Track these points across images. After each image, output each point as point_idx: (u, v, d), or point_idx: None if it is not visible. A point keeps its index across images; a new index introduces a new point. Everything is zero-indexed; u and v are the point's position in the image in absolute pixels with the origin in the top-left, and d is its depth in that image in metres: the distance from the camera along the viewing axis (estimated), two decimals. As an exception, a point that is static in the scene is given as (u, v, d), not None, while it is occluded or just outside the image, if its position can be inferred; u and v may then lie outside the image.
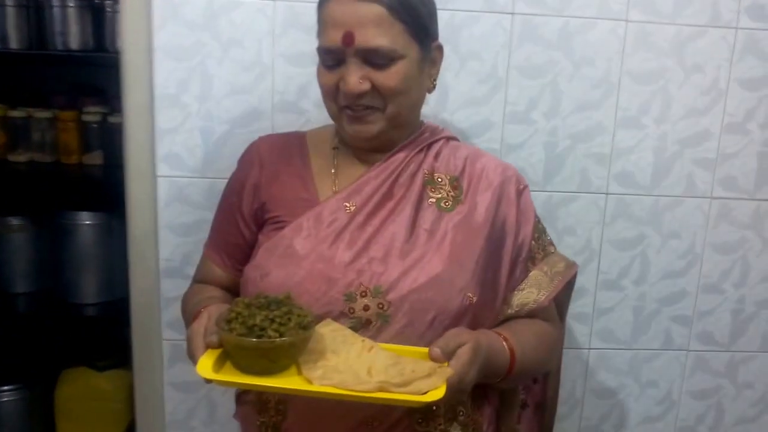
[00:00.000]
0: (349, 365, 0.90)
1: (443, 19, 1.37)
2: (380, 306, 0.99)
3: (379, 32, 0.99)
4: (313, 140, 1.16)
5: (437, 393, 0.87)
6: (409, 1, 1.01)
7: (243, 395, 1.13)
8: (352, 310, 0.99)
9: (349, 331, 0.97)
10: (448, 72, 1.41)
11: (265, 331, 0.86)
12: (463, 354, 0.92)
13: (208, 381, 0.86)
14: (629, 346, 1.62)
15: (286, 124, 1.38)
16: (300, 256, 1.02)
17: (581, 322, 1.59)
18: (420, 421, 1.02)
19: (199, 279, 1.20)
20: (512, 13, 1.41)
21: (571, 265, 1.19)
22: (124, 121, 1.40)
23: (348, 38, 0.98)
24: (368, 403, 0.96)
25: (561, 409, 1.62)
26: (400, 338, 0.99)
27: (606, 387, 1.64)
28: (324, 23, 1.03)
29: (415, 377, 0.88)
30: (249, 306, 0.90)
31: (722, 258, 1.59)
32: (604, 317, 1.60)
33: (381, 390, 0.87)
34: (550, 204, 1.51)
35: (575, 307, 1.58)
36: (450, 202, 1.09)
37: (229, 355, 0.90)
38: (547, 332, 1.14)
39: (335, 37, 0.99)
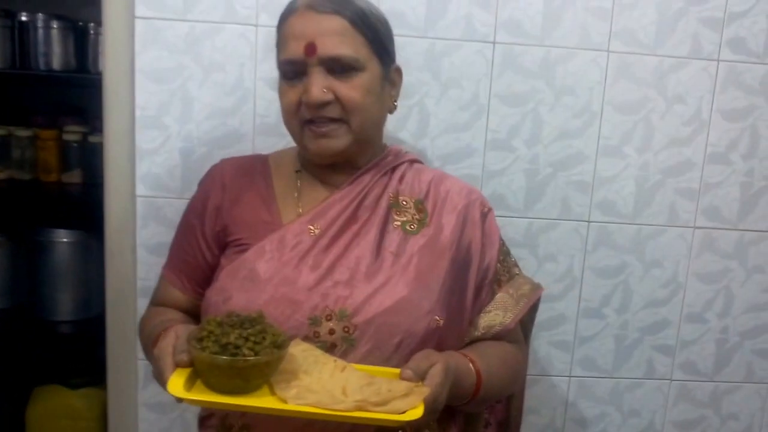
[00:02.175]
0: (322, 385, 0.90)
1: (423, 47, 1.39)
2: (346, 329, 0.99)
3: (342, 41, 1.00)
4: (276, 162, 1.16)
5: (416, 412, 0.87)
6: (368, 17, 1.03)
7: (206, 420, 1.12)
8: (317, 334, 0.99)
9: (319, 351, 0.96)
10: (428, 99, 1.42)
11: (239, 349, 0.85)
12: (436, 374, 0.92)
13: (180, 400, 0.86)
14: (611, 374, 1.61)
15: (268, 146, 1.38)
16: (263, 280, 1.02)
17: (562, 349, 1.58)
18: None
19: (157, 302, 1.19)
20: (494, 42, 1.41)
21: (536, 288, 1.19)
22: (104, 141, 1.41)
23: (310, 48, 0.99)
24: (337, 425, 0.97)
25: (542, 438, 1.62)
26: (366, 362, 0.98)
27: (587, 416, 1.62)
28: (285, 37, 1.04)
29: (392, 396, 0.88)
30: (221, 324, 0.89)
31: (705, 287, 1.58)
32: (585, 345, 1.59)
33: (359, 409, 0.86)
34: (531, 231, 1.51)
35: (556, 334, 1.57)
36: (415, 225, 1.09)
37: (199, 375, 0.90)
38: (512, 354, 1.15)
39: (297, 49, 1.00)
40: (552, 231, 1.51)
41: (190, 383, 0.88)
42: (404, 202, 1.11)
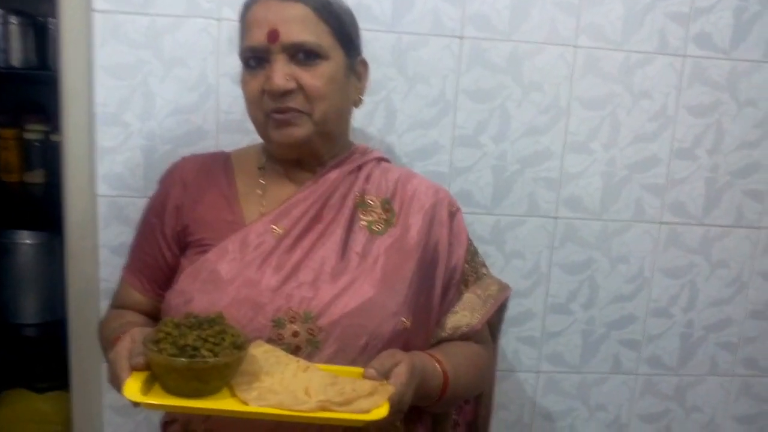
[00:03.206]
0: (284, 386, 0.88)
1: (390, 42, 1.38)
2: (310, 332, 0.97)
3: (305, 28, 0.98)
4: (239, 160, 1.14)
5: (380, 411, 0.86)
6: (332, 6, 1.02)
7: (168, 426, 1.10)
8: (280, 337, 0.97)
9: (281, 352, 0.95)
10: (395, 94, 1.40)
11: (197, 351, 0.83)
12: (402, 373, 0.91)
13: (136, 404, 0.84)
14: (578, 369, 1.62)
15: (232, 143, 1.36)
16: (225, 281, 0.99)
17: (530, 345, 1.59)
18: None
19: (118, 304, 1.16)
20: (461, 37, 1.40)
21: (503, 288, 1.19)
22: (63, 139, 1.37)
23: (273, 35, 0.97)
24: (304, 427, 0.96)
25: (509, 434, 1.63)
26: (331, 364, 0.97)
27: (555, 411, 1.63)
28: (248, 25, 1.02)
29: (356, 396, 0.87)
30: (179, 326, 0.86)
31: (671, 282, 1.60)
32: (552, 341, 1.59)
33: (322, 409, 0.85)
34: (498, 228, 1.50)
35: (524, 330, 1.57)
36: (381, 225, 1.08)
37: (157, 378, 0.87)
38: (479, 355, 1.14)
39: (260, 35, 0.98)
40: (519, 228, 1.51)
41: (147, 387, 0.86)
42: (371, 202, 1.09)
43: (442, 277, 1.10)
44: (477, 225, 1.48)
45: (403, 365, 0.93)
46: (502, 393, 1.57)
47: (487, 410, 1.31)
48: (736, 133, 1.53)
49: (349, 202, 1.08)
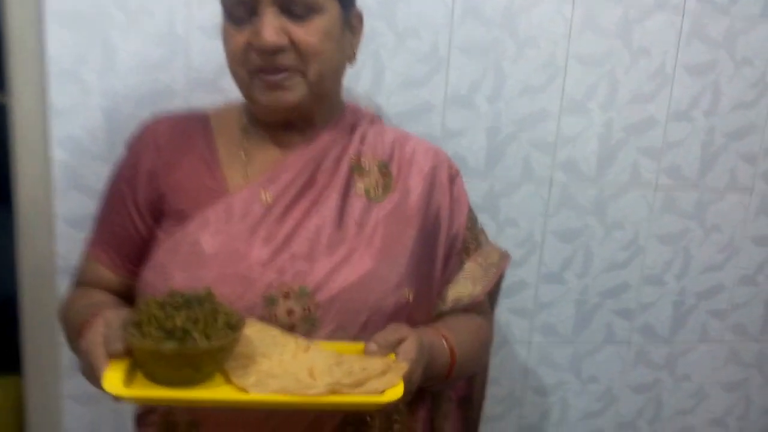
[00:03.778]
0: (284, 368, 0.78)
1: (379, -10, 1.25)
2: (306, 309, 0.87)
3: None
4: (218, 120, 1.01)
5: (396, 391, 0.76)
6: None
7: (145, 417, 0.98)
8: (273, 315, 0.86)
9: (276, 330, 0.84)
10: (383, 50, 1.29)
11: (188, 334, 0.73)
12: (410, 349, 0.82)
13: (119, 399, 0.72)
14: (571, 340, 1.56)
15: (204, 105, 1.22)
16: (208, 256, 0.88)
17: (521, 316, 1.52)
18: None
19: (82, 283, 1.02)
20: (454, -13, 1.29)
21: (504, 256, 1.11)
22: (10, 99, 1.21)
23: None
24: (301, 415, 0.87)
25: (498, 408, 1.56)
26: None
27: (546, 384, 1.57)
28: None
29: (367, 376, 0.77)
30: (164, 306, 0.76)
31: (665, 248, 1.55)
32: (545, 311, 1.52)
33: (333, 392, 0.75)
34: (491, 194, 1.42)
35: (515, 301, 1.50)
36: (380, 191, 0.97)
37: (141, 366, 0.76)
38: (481, 327, 1.06)
39: None
40: (513, 194, 1.43)
41: (129, 377, 0.75)
42: (367, 165, 0.98)
43: (444, 246, 1.01)
44: (470, 192, 1.36)
45: (410, 341, 0.84)
46: (493, 367, 1.48)
47: (482, 385, 1.23)
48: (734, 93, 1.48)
49: (344, 166, 0.97)
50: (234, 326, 0.77)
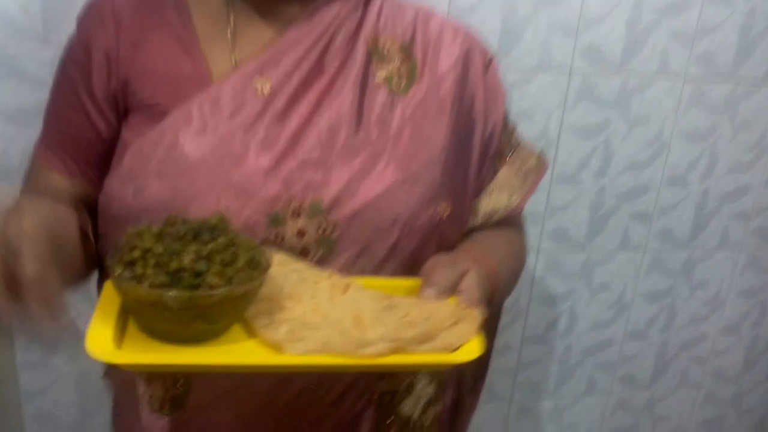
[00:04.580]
0: (323, 316, 0.61)
1: None
2: (321, 229, 0.71)
3: None
4: None
5: (474, 347, 0.60)
6: None
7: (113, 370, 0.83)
8: (280, 237, 0.70)
9: (302, 264, 0.67)
10: None
11: (201, 277, 0.55)
12: (474, 287, 0.67)
13: (109, 371, 0.58)
14: (583, 247, 1.44)
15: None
16: (192, 161, 0.70)
17: (530, 221, 1.37)
18: (380, 377, 0.77)
19: (32, 192, 0.82)
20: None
21: (543, 160, 0.93)
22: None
23: None
24: (327, 388, 0.72)
25: (502, 319, 1.45)
26: (350, 272, 0.71)
27: (554, 293, 1.47)
28: None
29: (435, 327, 0.60)
30: (161, 237, 0.57)
31: (691, 147, 1.41)
32: (557, 215, 1.40)
33: (397, 351, 0.58)
34: (504, 84, 1.25)
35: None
36: (403, 80, 0.78)
37: (134, 317, 0.59)
38: (517, 244, 0.91)
39: None
40: (529, 84, 1.27)
41: (119, 328, 0.57)
42: (386, 48, 0.79)
43: (479, 148, 0.83)
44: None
45: (471, 276, 0.68)
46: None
47: (498, 305, 1.10)
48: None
49: (360, 48, 0.77)
50: (258, 264, 0.59)
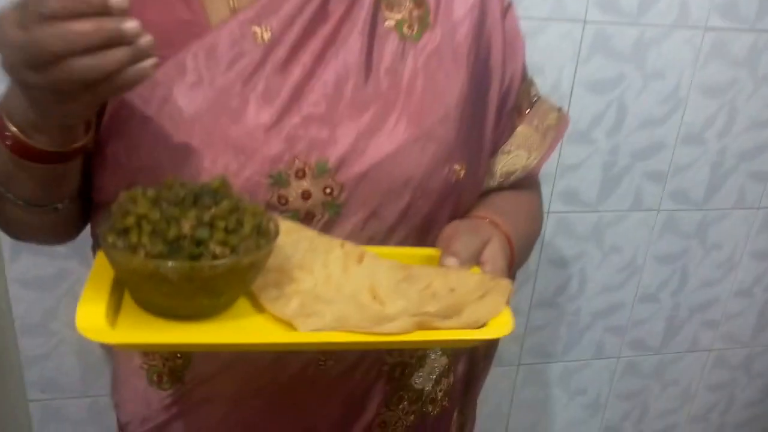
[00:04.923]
0: (337, 288, 0.57)
1: None
2: (327, 191, 0.66)
3: None
4: None
5: (504, 322, 0.55)
6: None
7: None
8: (283, 200, 0.65)
9: (311, 232, 0.62)
10: None
11: (203, 245, 0.50)
12: (497, 256, 0.64)
13: (105, 344, 0.51)
14: (594, 208, 1.38)
15: None
16: (187, 117, 0.64)
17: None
18: (390, 349, 0.73)
19: None
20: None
21: (563, 116, 0.86)
22: None
23: None
24: (337, 367, 0.68)
25: (512, 280, 1.41)
26: (359, 238, 0.67)
27: (564, 255, 1.42)
28: None
29: (461, 300, 0.55)
30: (157, 202, 0.52)
31: (708, 102, 1.34)
32: (568, 175, 1.34)
33: (421, 327, 0.53)
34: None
35: (536, 164, 1.31)
36: (415, 27, 0.71)
37: (130, 290, 0.54)
38: (535, 205, 0.85)
39: None
40: (539, 35, 1.20)
41: (113, 302, 0.52)
42: None
43: (496, 102, 0.76)
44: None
45: (494, 244, 0.64)
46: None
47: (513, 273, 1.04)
48: None
49: None
50: (265, 231, 0.54)
